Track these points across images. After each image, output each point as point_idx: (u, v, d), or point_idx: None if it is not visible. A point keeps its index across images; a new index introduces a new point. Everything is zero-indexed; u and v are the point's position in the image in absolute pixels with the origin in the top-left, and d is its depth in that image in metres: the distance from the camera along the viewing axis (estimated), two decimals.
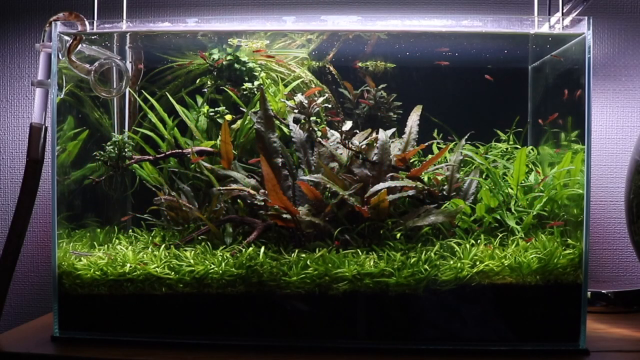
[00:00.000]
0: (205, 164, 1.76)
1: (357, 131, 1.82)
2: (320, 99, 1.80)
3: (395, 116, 1.90)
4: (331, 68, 1.92)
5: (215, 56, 1.87)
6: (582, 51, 1.49)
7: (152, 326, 1.53)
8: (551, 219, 1.63)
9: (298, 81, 1.90)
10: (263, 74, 1.90)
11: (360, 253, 1.54)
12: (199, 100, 1.92)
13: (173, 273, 1.52)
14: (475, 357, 1.42)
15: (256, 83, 1.87)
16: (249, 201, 1.68)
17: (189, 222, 1.77)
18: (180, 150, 1.83)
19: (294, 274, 1.49)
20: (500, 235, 1.61)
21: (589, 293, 1.79)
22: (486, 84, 1.89)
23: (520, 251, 1.52)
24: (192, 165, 1.83)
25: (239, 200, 1.75)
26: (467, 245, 1.54)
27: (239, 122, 1.85)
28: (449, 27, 1.59)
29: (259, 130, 1.71)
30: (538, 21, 1.66)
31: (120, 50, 1.85)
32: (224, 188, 1.66)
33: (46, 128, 1.65)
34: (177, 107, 1.87)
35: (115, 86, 1.84)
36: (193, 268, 1.51)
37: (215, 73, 1.89)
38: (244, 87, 1.87)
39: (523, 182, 1.69)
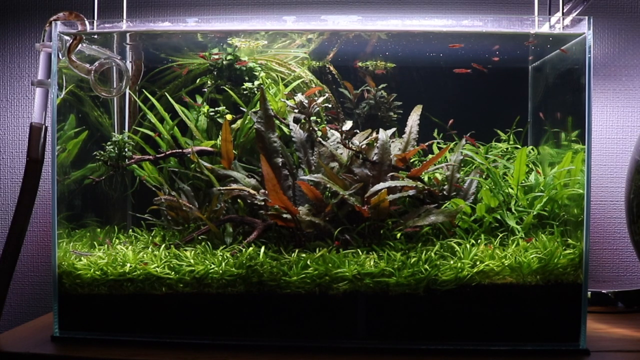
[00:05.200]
0: (205, 164, 1.76)
1: (357, 131, 1.82)
2: (321, 99, 1.80)
3: (395, 116, 1.90)
4: (331, 68, 1.92)
5: (215, 55, 1.86)
6: (582, 51, 1.48)
7: (152, 326, 1.52)
8: (552, 219, 1.63)
9: (298, 81, 1.90)
10: (263, 74, 1.90)
11: (360, 253, 1.54)
12: (199, 100, 1.92)
13: (173, 273, 1.52)
14: (475, 357, 1.42)
15: (256, 83, 1.87)
16: (249, 201, 1.68)
17: (189, 222, 1.77)
18: (180, 150, 1.82)
19: (294, 273, 1.49)
20: (501, 235, 1.61)
21: (589, 293, 1.79)
22: (486, 84, 1.89)
23: (521, 251, 1.52)
24: (192, 165, 1.83)
25: (239, 200, 1.75)
26: (468, 245, 1.54)
27: (239, 121, 1.85)
28: (449, 27, 1.59)
29: (259, 130, 1.71)
30: (538, 21, 1.66)
31: (120, 49, 1.85)
32: (224, 188, 1.66)
33: (46, 128, 1.65)
34: (177, 106, 1.87)
35: (115, 86, 1.84)
36: (193, 268, 1.51)
37: (215, 73, 1.89)
38: (244, 86, 1.87)
39: (523, 182, 1.69)
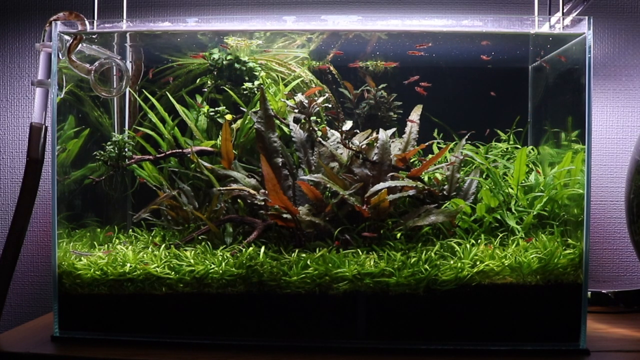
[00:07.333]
0: (205, 164, 1.76)
1: (357, 131, 1.82)
2: (321, 99, 1.79)
3: (395, 116, 1.90)
4: (331, 68, 1.92)
5: (216, 56, 1.87)
6: (582, 51, 1.48)
7: (152, 326, 1.52)
8: (552, 219, 1.63)
9: (298, 80, 1.90)
10: (263, 74, 1.90)
11: (360, 253, 1.54)
12: (199, 99, 1.92)
13: (173, 273, 1.52)
14: (475, 357, 1.42)
15: (256, 83, 1.87)
16: (249, 201, 1.68)
17: (189, 221, 1.77)
18: (180, 150, 1.82)
19: (294, 273, 1.49)
20: (501, 235, 1.61)
21: (589, 293, 1.79)
22: (486, 83, 1.89)
23: (521, 251, 1.52)
24: (192, 165, 1.83)
25: (239, 200, 1.75)
26: (468, 245, 1.54)
27: (239, 121, 1.85)
28: (449, 27, 1.59)
29: (259, 130, 1.71)
30: (538, 21, 1.66)
31: (120, 49, 1.85)
32: (224, 188, 1.66)
33: (46, 128, 1.65)
34: (178, 106, 1.87)
35: (115, 86, 1.84)
36: (193, 268, 1.51)
37: (215, 73, 1.89)
38: (244, 86, 1.87)
39: (523, 182, 1.69)
